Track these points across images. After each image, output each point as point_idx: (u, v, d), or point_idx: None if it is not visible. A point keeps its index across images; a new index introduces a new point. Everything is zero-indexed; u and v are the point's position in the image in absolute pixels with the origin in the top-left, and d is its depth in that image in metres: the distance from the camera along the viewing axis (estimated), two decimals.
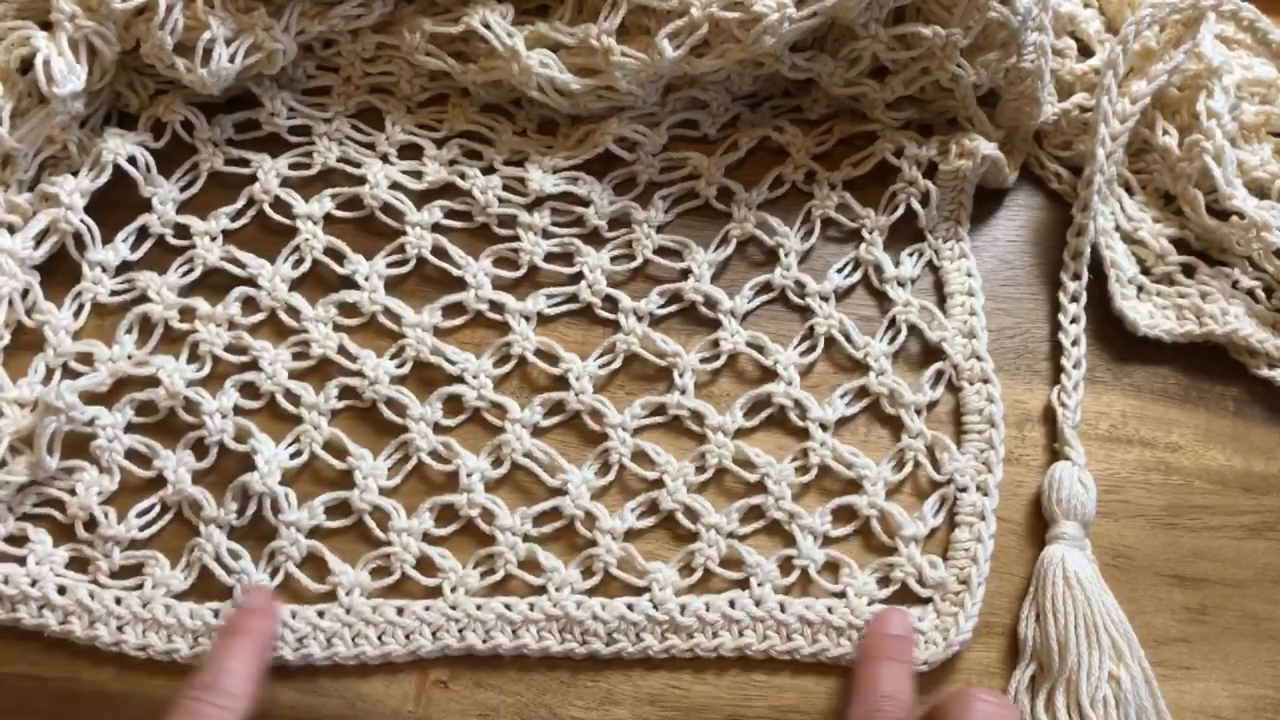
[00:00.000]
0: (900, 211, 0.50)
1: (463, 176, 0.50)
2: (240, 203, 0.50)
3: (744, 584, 0.44)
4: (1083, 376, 0.48)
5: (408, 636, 0.43)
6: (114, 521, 0.44)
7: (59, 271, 0.49)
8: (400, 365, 0.47)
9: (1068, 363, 0.48)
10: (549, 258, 0.50)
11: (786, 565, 0.45)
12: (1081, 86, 0.52)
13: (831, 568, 0.45)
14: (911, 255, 0.50)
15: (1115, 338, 0.49)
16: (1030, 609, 0.44)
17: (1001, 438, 0.46)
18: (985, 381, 0.47)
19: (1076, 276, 0.49)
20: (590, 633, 0.43)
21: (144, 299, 0.48)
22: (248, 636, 0.41)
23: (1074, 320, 0.49)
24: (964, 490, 0.45)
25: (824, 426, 0.46)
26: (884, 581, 0.44)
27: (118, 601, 0.43)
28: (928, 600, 0.44)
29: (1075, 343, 0.48)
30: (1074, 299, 0.49)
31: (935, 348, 0.48)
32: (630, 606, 0.43)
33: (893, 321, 0.49)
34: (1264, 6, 0.51)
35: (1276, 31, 0.51)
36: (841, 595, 0.44)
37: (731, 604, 0.44)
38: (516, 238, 0.50)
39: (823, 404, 0.47)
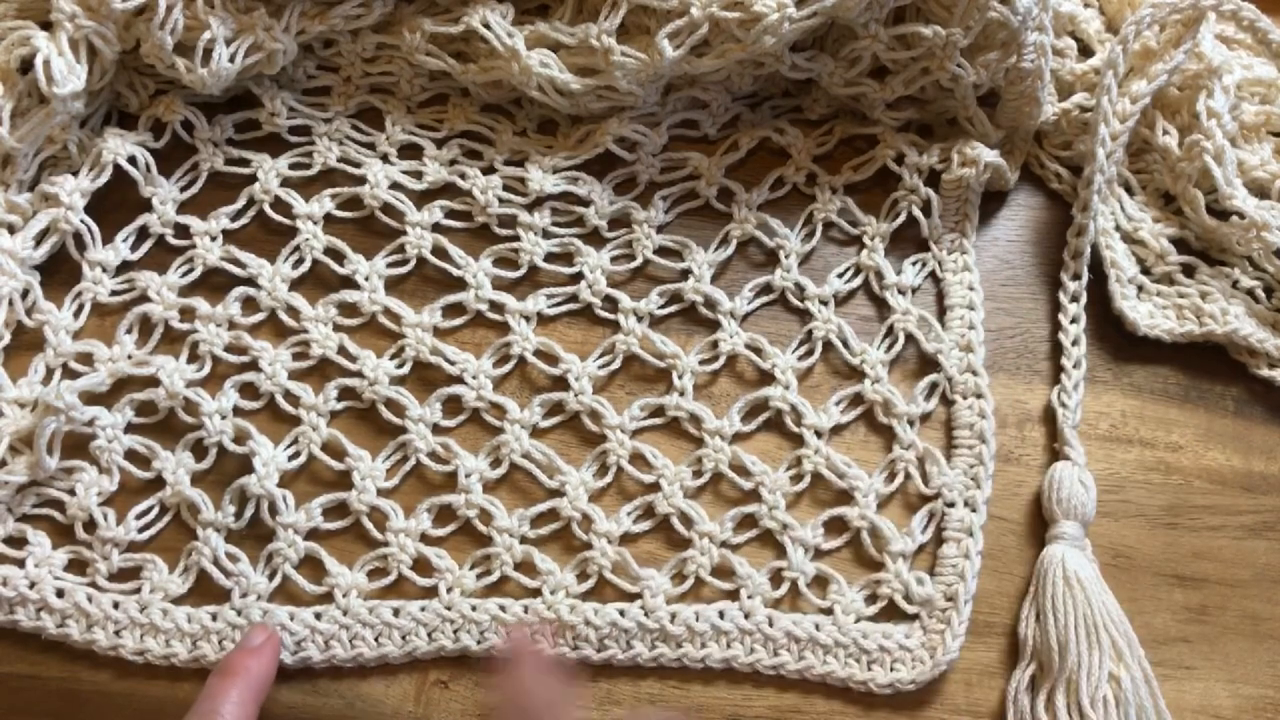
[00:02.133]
0: (902, 219, 0.50)
1: (463, 176, 0.50)
2: (240, 203, 0.50)
3: (734, 595, 0.44)
4: (1083, 376, 0.48)
5: (404, 638, 0.43)
6: (113, 523, 0.44)
7: (59, 271, 0.49)
8: (400, 365, 0.47)
9: (1068, 363, 0.48)
10: (549, 258, 0.50)
11: (777, 578, 0.44)
12: (1081, 86, 0.52)
13: (821, 582, 0.45)
14: (915, 264, 0.50)
15: (1115, 338, 0.49)
16: (1030, 609, 0.44)
17: (992, 454, 0.46)
18: (979, 396, 0.47)
19: (1076, 276, 0.49)
20: (582, 638, 0.43)
21: (144, 299, 0.48)
22: (241, 677, 0.40)
23: (1074, 320, 0.49)
24: (952, 505, 0.45)
25: (818, 433, 0.46)
26: (872, 598, 0.44)
27: (115, 606, 0.43)
28: (914, 617, 0.44)
29: (1075, 343, 0.48)
30: (1074, 299, 0.49)
31: (931, 359, 0.48)
32: (622, 613, 0.43)
33: (890, 329, 0.48)
34: (1264, 7, 0.51)
35: (1277, 31, 0.51)
36: (829, 612, 0.44)
37: (721, 615, 0.43)
38: (516, 238, 0.50)
39: (818, 410, 0.47)
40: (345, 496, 0.45)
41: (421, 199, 0.50)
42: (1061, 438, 0.47)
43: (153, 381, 0.46)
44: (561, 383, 0.47)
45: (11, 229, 0.48)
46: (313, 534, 0.45)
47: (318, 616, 0.43)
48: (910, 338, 0.48)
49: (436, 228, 0.50)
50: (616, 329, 0.48)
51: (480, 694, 0.43)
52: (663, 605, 0.44)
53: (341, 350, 0.47)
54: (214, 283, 0.49)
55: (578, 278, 0.49)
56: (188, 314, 0.48)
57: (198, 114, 0.51)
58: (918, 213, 0.50)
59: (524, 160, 0.51)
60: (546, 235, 0.50)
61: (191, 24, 0.47)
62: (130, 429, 0.46)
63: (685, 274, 0.49)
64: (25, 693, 0.43)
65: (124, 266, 0.49)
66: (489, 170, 0.51)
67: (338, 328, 0.48)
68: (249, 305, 0.49)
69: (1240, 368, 0.49)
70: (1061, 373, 0.48)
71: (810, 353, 0.48)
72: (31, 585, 0.43)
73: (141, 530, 0.45)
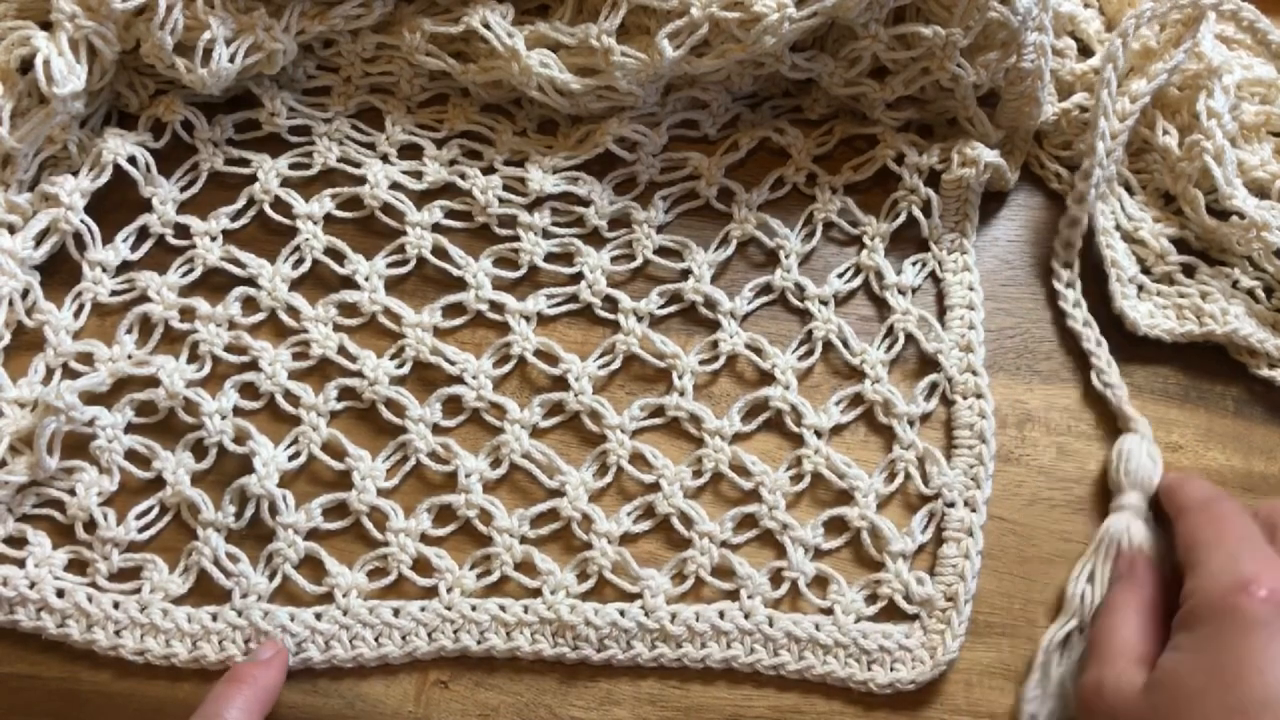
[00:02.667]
0: (902, 219, 0.50)
1: (463, 176, 0.50)
2: (240, 203, 0.50)
3: (734, 595, 0.44)
4: (1109, 353, 0.48)
5: (404, 638, 0.43)
6: (113, 523, 0.44)
7: (59, 271, 0.49)
8: (400, 366, 0.47)
9: (1090, 345, 0.48)
10: (549, 258, 0.50)
11: (777, 578, 0.44)
12: (1081, 86, 0.52)
13: (820, 582, 0.45)
14: (915, 264, 0.50)
15: (1115, 338, 0.49)
16: (1084, 569, 0.44)
17: (992, 454, 0.46)
18: (979, 396, 0.47)
19: (1067, 265, 0.50)
20: (582, 638, 0.43)
21: (144, 299, 0.48)
22: (248, 685, 0.41)
23: (1076, 304, 0.49)
24: (952, 505, 0.45)
25: (818, 433, 0.46)
26: (872, 598, 0.44)
27: (115, 605, 0.43)
28: (914, 617, 0.44)
29: (1087, 324, 0.49)
30: (1069, 285, 0.49)
31: (931, 359, 0.48)
32: (622, 613, 0.43)
33: (890, 329, 0.48)
34: (1263, 6, 0.51)
35: (1276, 32, 0.51)
36: (829, 612, 0.44)
37: (721, 615, 0.43)
38: (516, 238, 0.50)
39: (818, 410, 0.47)
40: (345, 496, 0.45)
41: (421, 199, 0.50)
42: (1121, 415, 0.47)
43: (153, 381, 0.46)
44: (561, 383, 0.47)
45: (11, 229, 0.48)
46: (313, 534, 0.45)
47: (318, 617, 0.43)
48: (910, 338, 0.48)
49: (436, 228, 0.50)
50: (616, 329, 0.48)
51: (480, 694, 0.43)
52: (663, 605, 0.44)
53: (341, 350, 0.47)
54: (214, 283, 0.49)
55: (578, 278, 0.49)
56: (188, 314, 0.48)
57: (198, 114, 0.51)
58: (918, 213, 0.50)
59: (524, 160, 0.51)
60: (546, 235, 0.50)
61: (191, 24, 0.47)
62: (130, 429, 0.46)
63: (685, 274, 0.49)
64: (25, 693, 0.43)
65: (124, 266, 0.49)
66: (489, 170, 0.51)
67: (338, 328, 0.48)
68: (249, 305, 0.49)
69: (1240, 368, 0.49)
70: (1091, 356, 0.48)
71: (810, 353, 0.48)
72: (31, 585, 0.43)
73: (141, 530, 0.45)
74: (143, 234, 0.50)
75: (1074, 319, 0.49)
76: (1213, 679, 0.35)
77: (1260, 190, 0.50)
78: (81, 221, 0.48)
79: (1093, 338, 0.48)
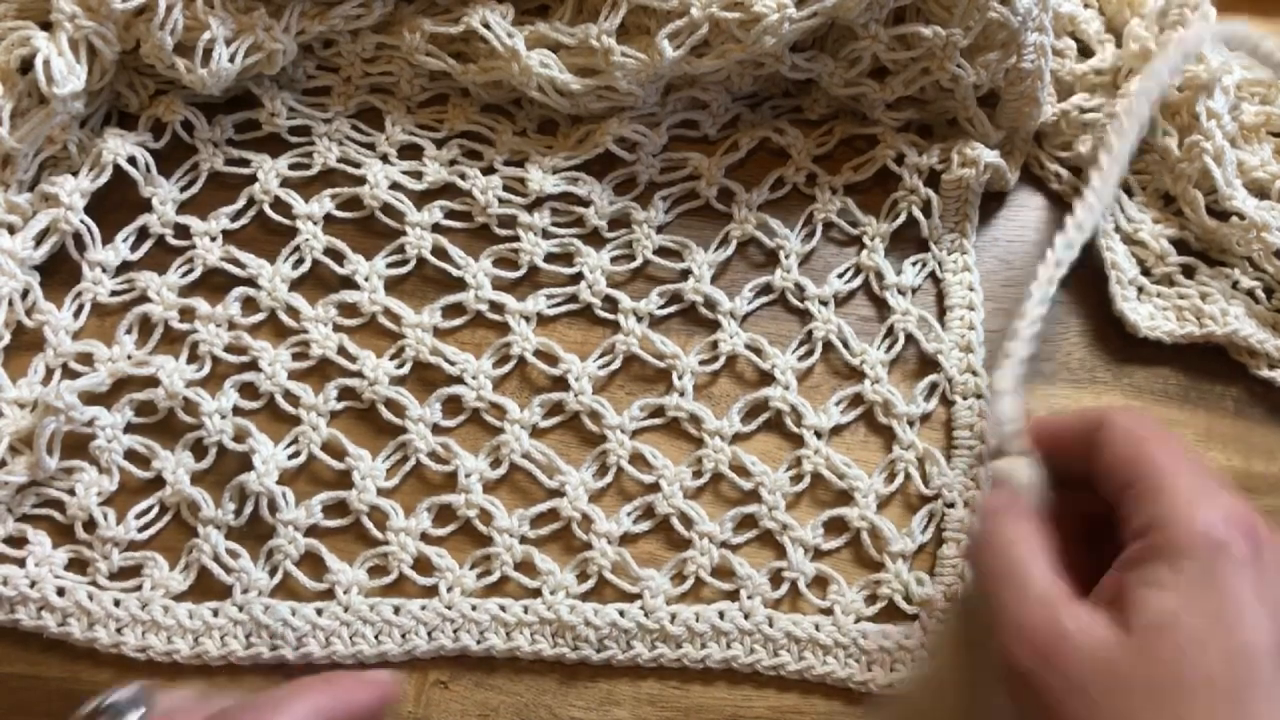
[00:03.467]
0: (902, 219, 0.50)
1: (463, 176, 0.50)
2: (240, 203, 0.50)
3: (734, 595, 0.44)
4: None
5: (404, 636, 0.43)
6: (113, 522, 0.44)
7: (59, 271, 0.49)
8: (400, 366, 0.47)
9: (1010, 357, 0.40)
10: (549, 258, 0.50)
11: (777, 578, 0.44)
12: (1081, 87, 0.52)
13: (820, 582, 0.45)
14: (915, 265, 0.50)
15: (1115, 339, 0.49)
16: None
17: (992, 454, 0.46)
18: (979, 397, 0.47)
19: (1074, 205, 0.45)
20: (582, 638, 0.43)
21: (144, 299, 0.48)
22: (331, 692, 0.33)
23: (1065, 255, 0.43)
24: (952, 506, 0.45)
25: (818, 434, 0.46)
26: (872, 599, 0.44)
27: (116, 603, 0.43)
28: (914, 617, 0.44)
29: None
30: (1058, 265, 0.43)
31: (931, 359, 0.48)
32: (622, 613, 0.43)
33: (890, 329, 0.48)
34: (1261, 6, 0.51)
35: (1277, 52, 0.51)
36: (829, 612, 0.44)
37: (721, 615, 0.43)
38: (516, 238, 0.50)
39: (818, 410, 0.47)
40: (345, 496, 0.45)
41: (421, 199, 0.50)
42: (999, 452, 0.37)
43: (153, 381, 0.46)
44: (561, 383, 0.47)
45: (11, 229, 0.48)
46: (313, 532, 0.45)
47: (319, 612, 0.43)
48: (910, 338, 0.48)
49: (436, 228, 0.50)
50: (616, 329, 0.48)
51: (480, 694, 0.43)
52: (663, 605, 0.44)
53: (341, 350, 0.47)
54: (214, 283, 0.49)
55: (578, 278, 0.49)
56: (188, 314, 0.48)
57: (198, 114, 0.51)
58: (918, 213, 0.50)
59: (524, 160, 0.51)
60: (546, 235, 0.50)
61: (191, 24, 0.47)
62: (130, 429, 0.46)
63: (685, 274, 0.49)
64: (25, 693, 0.43)
65: (124, 267, 0.49)
66: (489, 170, 0.51)
67: (338, 328, 0.48)
68: (249, 305, 0.49)
69: (1240, 368, 0.49)
70: (995, 370, 0.39)
71: (810, 353, 0.48)
72: (32, 584, 0.43)
73: (141, 530, 0.45)
74: (143, 234, 0.50)
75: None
76: (1216, 622, 0.31)
77: (1260, 191, 0.50)
78: (81, 221, 0.48)
79: (1017, 354, 0.40)
